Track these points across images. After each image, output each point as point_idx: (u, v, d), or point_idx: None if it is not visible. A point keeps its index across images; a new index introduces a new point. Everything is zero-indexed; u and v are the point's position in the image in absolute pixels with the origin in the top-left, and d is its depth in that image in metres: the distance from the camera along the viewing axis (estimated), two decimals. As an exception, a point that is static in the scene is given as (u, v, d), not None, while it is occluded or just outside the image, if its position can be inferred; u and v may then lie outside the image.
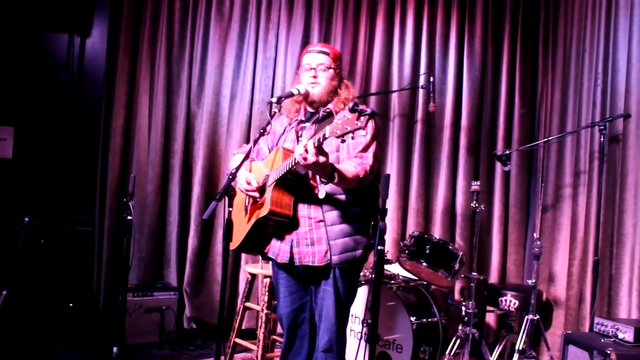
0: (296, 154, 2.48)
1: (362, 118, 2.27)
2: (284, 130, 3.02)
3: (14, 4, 4.83)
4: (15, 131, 4.84)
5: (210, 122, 5.08)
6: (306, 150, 2.42)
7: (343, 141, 2.36)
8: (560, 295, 4.70)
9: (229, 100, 5.10)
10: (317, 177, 2.74)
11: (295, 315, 3.02)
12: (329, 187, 2.73)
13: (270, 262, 3.10)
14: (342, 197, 2.79)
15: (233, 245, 2.92)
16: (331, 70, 2.90)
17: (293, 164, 2.58)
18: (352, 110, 2.28)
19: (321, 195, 2.74)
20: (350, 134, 2.31)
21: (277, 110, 2.82)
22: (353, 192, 2.78)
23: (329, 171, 2.54)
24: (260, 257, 4.56)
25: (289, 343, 3.06)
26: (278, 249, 2.88)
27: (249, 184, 2.82)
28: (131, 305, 4.53)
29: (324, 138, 2.38)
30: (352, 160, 2.74)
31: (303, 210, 2.80)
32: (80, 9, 5.00)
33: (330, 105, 2.90)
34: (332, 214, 2.78)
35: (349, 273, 2.86)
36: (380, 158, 3.01)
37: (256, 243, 2.95)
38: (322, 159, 2.43)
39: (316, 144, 2.40)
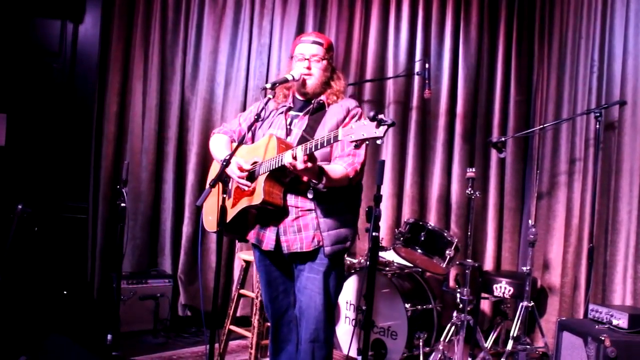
0: (285, 161, 2.50)
1: (381, 127, 2.26)
2: (269, 115, 3.00)
3: (6, -11, 4.80)
4: (8, 118, 4.80)
5: (204, 109, 5.05)
6: (295, 158, 2.45)
7: (357, 147, 2.38)
8: (554, 282, 4.71)
9: (224, 87, 5.07)
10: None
11: (280, 301, 3.01)
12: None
13: (253, 249, 3.07)
14: (335, 190, 2.78)
15: (214, 227, 2.90)
16: (324, 62, 2.89)
17: (279, 164, 2.60)
18: (372, 119, 2.27)
19: (310, 195, 2.74)
20: (366, 142, 2.32)
21: (271, 97, 2.81)
22: (347, 185, 2.79)
23: (317, 174, 2.57)
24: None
25: (276, 330, 3.06)
26: (262, 236, 2.87)
27: (240, 169, 2.78)
28: (125, 292, 4.53)
29: (335, 140, 2.40)
30: (343, 159, 2.74)
31: (291, 199, 2.79)
32: (73, -5, 4.97)
33: (322, 97, 2.90)
34: (325, 206, 2.77)
35: (336, 262, 2.85)
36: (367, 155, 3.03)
37: (239, 228, 2.95)
38: (310, 165, 2.46)
39: (307, 152, 2.44)
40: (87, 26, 5.05)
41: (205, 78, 5.06)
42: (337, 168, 2.70)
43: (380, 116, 2.27)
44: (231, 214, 2.85)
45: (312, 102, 2.90)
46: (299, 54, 2.89)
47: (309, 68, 2.86)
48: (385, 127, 2.26)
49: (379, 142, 2.31)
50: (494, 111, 5.23)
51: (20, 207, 4.01)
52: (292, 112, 2.95)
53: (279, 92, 2.98)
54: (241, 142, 2.73)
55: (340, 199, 2.80)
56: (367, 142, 2.37)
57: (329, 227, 2.77)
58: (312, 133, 2.77)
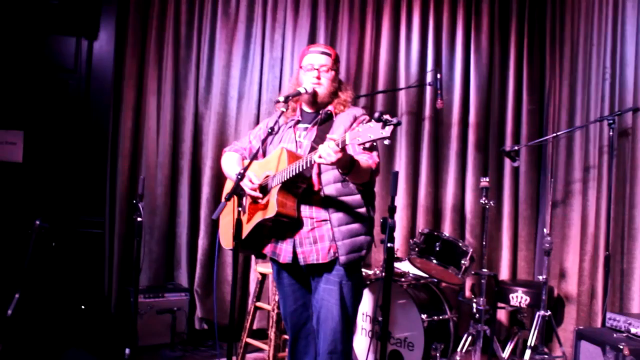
0: (323, 153, 2.47)
1: (387, 128, 2.28)
2: (279, 129, 3.02)
3: (22, 8, 4.86)
4: (25, 135, 4.87)
5: (218, 123, 5.08)
6: (330, 147, 2.45)
7: (365, 148, 2.37)
8: (571, 291, 4.68)
9: (237, 101, 5.11)
10: (322, 176, 2.78)
11: (298, 314, 3.03)
12: (335, 190, 2.75)
13: (271, 262, 3.09)
14: (348, 198, 2.81)
15: (231, 244, 2.90)
16: (332, 72, 2.93)
17: (309, 163, 2.60)
18: (377, 120, 2.29)
19: (343, 187, 2.77)
20: (374, 142, 2.31)
21: (284, 110, 2.84)
22: (360, 192, 2.81)
23: (348, 162, 2.57)
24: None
25: (295, 343, 3.07)
26: (279, 249, 2.89)
27: (252, 182, 2.81)
28: (143, 306, 4.55)
29: (343, 144, 2.41)
30: (359, 155, 2.75)
31: (305, 210, 2.81)
32: (88, 12, 5.02)
33: (330, 107, 2.93)
34: (339, 215, 2.79)
35: (353, 271, 2.86)
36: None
37: (254, 243, 2.96)
38: (341, 154, 2.47)
39: (340, 146, 2.43)
40: (101, 43, 5.11)
41: (219, 92, 5.09)
42: (361, 158, 2.71)
43: (386, 116, 2.29)
44: (246, 229, 2.87)
45: (320, 112, 2.92)
46: (308, 64, 2.92)
47: (318, 78, 2.89)
48: (392, 126, 2.27)
49: (386, 142, 2.32)
50: (507, 120, 5.23)
51: (38, 222, 4.06)
52: (300, 125, 2.97)
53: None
54: (254, 157, 2.75)
55: (354, 207, 2.82)
56: (375, 144, 2.36)
57: (344, 236, 2.78)
58: (321, 143, 2.79)
